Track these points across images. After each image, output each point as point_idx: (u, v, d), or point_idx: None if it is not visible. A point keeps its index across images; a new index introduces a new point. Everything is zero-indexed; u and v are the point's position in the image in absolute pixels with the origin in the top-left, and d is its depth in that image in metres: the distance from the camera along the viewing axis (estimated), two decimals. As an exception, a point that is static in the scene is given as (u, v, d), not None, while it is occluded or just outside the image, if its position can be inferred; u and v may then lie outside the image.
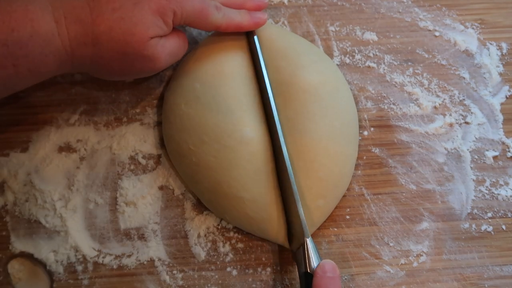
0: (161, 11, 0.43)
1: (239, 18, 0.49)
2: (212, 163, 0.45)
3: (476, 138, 0.53)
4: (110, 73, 0.47)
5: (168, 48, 0.45)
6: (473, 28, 0.59)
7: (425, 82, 0.56)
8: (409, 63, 0.57)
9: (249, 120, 0.47)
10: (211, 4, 0.46)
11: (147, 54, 0.44)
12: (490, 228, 0.50)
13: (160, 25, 0.44)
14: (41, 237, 0.49)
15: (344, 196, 0.51)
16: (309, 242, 0.42)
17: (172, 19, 0.44)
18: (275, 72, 0.49)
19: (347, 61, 0.57)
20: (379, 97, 0.55)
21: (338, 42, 0.58)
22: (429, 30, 0.58)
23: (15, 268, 0.48)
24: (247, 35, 0.52)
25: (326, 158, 0.46)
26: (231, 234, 0.49)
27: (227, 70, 0.48)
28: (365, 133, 0.53)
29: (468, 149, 0.53)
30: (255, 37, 0.50)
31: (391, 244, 0.49)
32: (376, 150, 0.53)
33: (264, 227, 0.45)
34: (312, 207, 0.45)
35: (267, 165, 0.45)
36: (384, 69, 0.56)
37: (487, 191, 0.51)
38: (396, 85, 0.56)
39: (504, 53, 0.57)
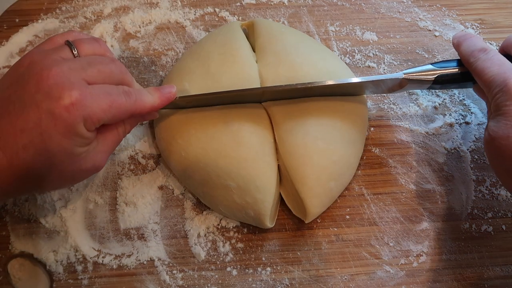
0: (70, 129, 0.38)
1: (151, 99, 0.44)
2: (200, 154, 0.47)
3: (476, 138, 0.53)
4: (60, 186, 0.46)
5: (106, 146, 0.43)
6: (473, 28, 0.59)
7: (425, 82, 0.56)
8: (409, 63, 0.57)
9: (233, 113, 0.48)
10: (119, 92, 0.41)
11: (87, 167, 0.42)
12: (490, 228, 0.50)
13: (80, 140, 0.40)
14: (41, 237, 0.49)
15: (344, 196, 0.51)
16: None
17: (87, 127, 0.39)
18: (284, 68, 0.49)
19: (347, 61, 0.57)
20: (379, 97, 0.55)
21: (338, 42, 0.58)
22: (429, 30, 0.58)
23: (15, 268, 0.48)
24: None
25: (340, 143, 0.48)
26: (231, 234, 0.49)
27: (214, 70, 0.49)
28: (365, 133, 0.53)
29: (468, 149, 0.53)
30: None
31: (391, 244, 0.49)
32: (376, 150, 0.53)
33: (250, 211, 0.46)
34: (326, 188, 0.47)
35: (250, 153, 0.46)
36: (384, 69, 0.56)
37: (487, 191, 0.51)
38: (396, 85, 0.56)
39: (504, 53, 0.57)
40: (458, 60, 0.48)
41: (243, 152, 0.46)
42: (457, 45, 0.48)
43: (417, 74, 0.47)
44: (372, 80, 0.48)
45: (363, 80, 0.47)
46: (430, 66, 0.48)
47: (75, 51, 0.43)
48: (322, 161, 0.46)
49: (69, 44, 0.43)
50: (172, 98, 0.46)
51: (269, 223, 0.47)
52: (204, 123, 0.47)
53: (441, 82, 0.48)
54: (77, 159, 0.40)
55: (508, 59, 0.44)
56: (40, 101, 0.37)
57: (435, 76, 0.47)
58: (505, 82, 0.41)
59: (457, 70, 0.47)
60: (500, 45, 0.57)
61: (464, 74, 0.47)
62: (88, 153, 0.41)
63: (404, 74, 0.48)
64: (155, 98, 0.45)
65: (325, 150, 0.47)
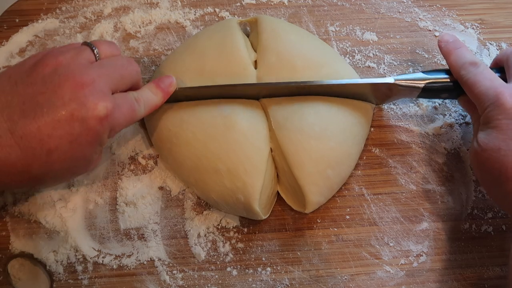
0: (97, 139, 0.40)
1: (156, 100, 0.46)
2: (191, 138, 0.48)
3: (476, 138, 0.53)
4: (60, 183, 0.50)
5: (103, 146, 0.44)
6: (473, 28, 0.59)
7: (425, 82, 0.56)
8: (409, 63, 0.57)
9: (227, 101, 0.48)
10: (133, 100, 0.43)
11: (91, 167, 0.44)
12: (490, 228, 0.50)
13: (100, 148, 0.42)
14: (41, 237, 0.49)
15: (344, 196, 0.51)
16: None
17: (109, 136, 0.42)
18: (284, 72, 0.49)
19: (347, 61, 0.57)
20: (379, 97, 0.55)
21: (338, 42, 0.58)
22: (429, 30, 0.58)
23: (15, 268, 0.48)
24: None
25: (338, 130, 0.48)
26: (231, 234, 0.49)
27: (208, 67, 0.49)
28: (365, 133, 0.53)
29: (468, 149, 0.53)
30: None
31: (391, 244, 0.49)
32: (376, 150, 0.53)
33: (241, 196, 0.46)
34: (323, 175, 0.47)
35: (240, 136, 0.47)
36: (384, 69, 0.56)
37: (487, 191, 0.51)
38: (396, 85, 0.56)
39: (504, 53, 0.57)
40: (447, 70, 0.49)
41: (232, 134, 0.47)
42: (446, 54, 0.49)
43: (408, 80, 0.48)
44: (365, 84, 0.49)
45: (349, 82, 0.48)
46: (421, 74, 0.49)
47: (95, 50, 0.43)
48: (319, 147, 0.47)
49: (89, 45, 0.43)
50: (173, 90, 0.48)
51: (258, 208, 0.46)
52: (196, 110, 0.48)
53: (431, 90, 0.49)
54: (90, 163, 0.43)
55: (500, 71, 0.46)
56: (75, 110, 0.38)
57: (425, 83, 0.48)
58: (497, 96, 0.43)
59: (448, 79, 0.48)
60: (500, 45, 0.58)
61: (454, 83, 0.48)
62: (100, 150, 0.43)
63: (395, 80, 0.48)
64: (159, 97, 0.46)
65: (322, 136, 0.47)
